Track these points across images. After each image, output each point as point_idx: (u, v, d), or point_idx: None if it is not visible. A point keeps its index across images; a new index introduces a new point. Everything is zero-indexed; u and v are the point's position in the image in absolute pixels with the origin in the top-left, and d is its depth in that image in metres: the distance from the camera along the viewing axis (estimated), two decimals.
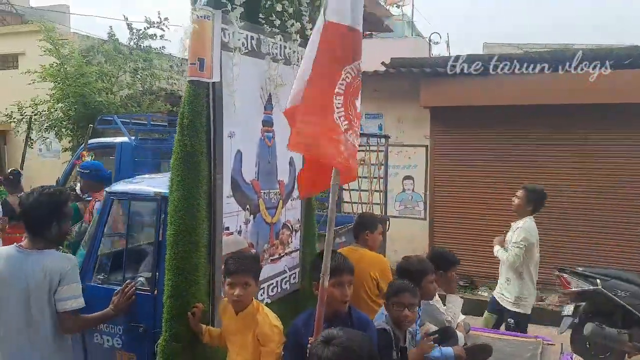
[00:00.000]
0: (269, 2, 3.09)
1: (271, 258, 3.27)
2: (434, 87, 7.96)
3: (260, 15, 3.09)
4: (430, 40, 13.76)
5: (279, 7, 3.14)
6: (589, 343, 5.04)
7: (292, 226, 3.66)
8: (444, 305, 3.55)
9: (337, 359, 1.74)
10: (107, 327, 3.30)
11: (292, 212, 3.64)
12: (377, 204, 7.33)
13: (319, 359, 1.77)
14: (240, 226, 3.08)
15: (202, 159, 2.76)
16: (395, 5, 16.20)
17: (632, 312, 4.95)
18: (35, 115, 10.85)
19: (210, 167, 2.82)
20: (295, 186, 3.54)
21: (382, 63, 8.57)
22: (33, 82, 10.57)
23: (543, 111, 7.50)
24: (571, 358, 3.27)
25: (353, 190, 6.83)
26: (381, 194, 7.40)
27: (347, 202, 7.29)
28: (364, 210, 6.71)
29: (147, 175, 4.36)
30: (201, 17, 2.63)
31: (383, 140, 7.52)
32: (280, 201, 3.47)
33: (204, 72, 2.66)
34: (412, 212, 8.71)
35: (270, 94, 3.24)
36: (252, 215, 3.17)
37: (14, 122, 11.47)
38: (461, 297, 7.32)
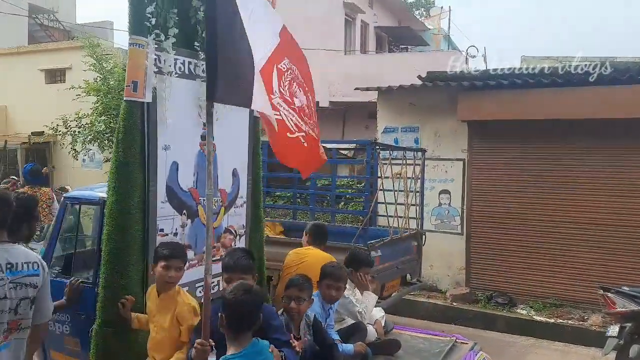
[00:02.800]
0: (204, 32, 3.43)
1: (212, 259, 3.44)
2: (471, 100, 7.87)
3: (196, 43, 3.53)
4: (467, 54, 13.62)
5: None
6: None
7: (235, 231, 4.04)
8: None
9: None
10: (58, 316, 3.76)
11: (235, 219, 4.02)
12: (414, 217, 7.26)
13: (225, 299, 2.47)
14: (177, 229, 3.50)
15: (135, 168, 3.19)
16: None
17: None
18: (79, 128, 11.25)
19: (145, 176, 3.24)
20: (240, 194, 4.01)
21: (419, 76, 8.55)
22: (78, 97, 10.98)
23: (582, 126, 7.31)
24: (476, 355, 3.27)
25: (389, 203, 6.77)
26: (417, 207, 7.34)
27: (382, 216, 7.24)
28: (395, 225, 6.64)
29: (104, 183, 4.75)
30: (135, 45, 3.11)
31: (419, 153, 7.48)
32: (222, 208, 3.85)
33: (137, 93, 3.12)
34: (448, 227, 8.58)
35: (212, 111, 3.53)
36: (189, 220, 3.58)
37: (60, 134, 11.91)
38: (496, 314, 7.17)
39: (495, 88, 7.71)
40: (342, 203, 9.62)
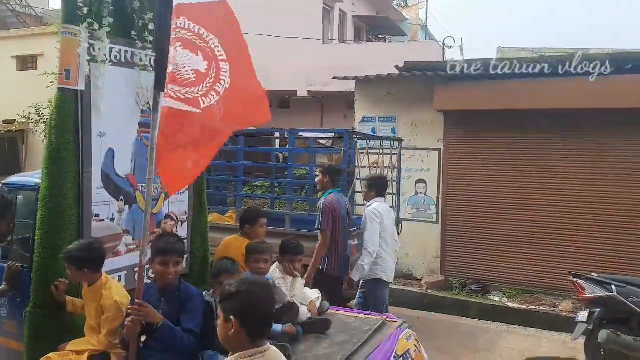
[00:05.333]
0: (141, 21, 3.63)
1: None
2: (448, 91, 7.95)
3: (133, 32, 3.61)
4: (444, 44, 13.71)
5: (151, 26, 3.64)
6: (603, 350, 4.98)
7: (177, 217, 4.15)
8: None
9: None
10: None
11: (177, 205, 4.13)
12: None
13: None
14: (113, 214, 3.59)
15: (69, 155, 3.27)
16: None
17: None
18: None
19: (79, 162, 3.32)
20: None
21: (396, 66, 8.59)
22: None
23: (556, 116, 7.46)
24: (402, 332, 3.45)
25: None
26: (394, 197, 7.41)
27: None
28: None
29: None
30: (68, 34, 3.18)
31: (396, 143, 7.54)
32: (163, 194, 3.93)
33: (70, 80, 3.20)
34: (424, 216, 8.69)
35: (148, 99, 3.66)
36: (127, 205, 3.67)
37: (32, 122, 11.66)
38: (470, 301, 7.32)
39: (471, 79, 7.78)
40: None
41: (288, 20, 14.88)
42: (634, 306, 4.96)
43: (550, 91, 7.23)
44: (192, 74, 2.78)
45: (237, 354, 2.00)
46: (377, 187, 5.36)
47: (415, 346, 3.61)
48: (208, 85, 2.85)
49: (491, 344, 6.21)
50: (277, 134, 10.31)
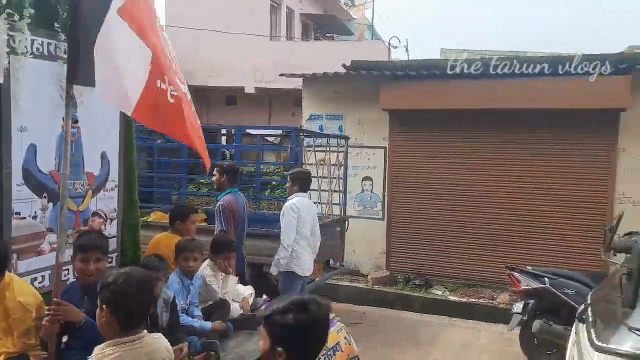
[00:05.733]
0: (65, 13, 3.50)
1: None
2: (393, 90, 8.10)
3: (56, 24, 3.51)
4: (389, 44, 13.96)
5: None
6: (537, 339, 5.23)
7: (105, 215, 4.09)
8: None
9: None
10: None
11: (105, 202, 4.07)
12: (337, 204, 7.41)
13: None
14: (36, 212, 3.49)
15: None
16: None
17: (578, 309, 5.17)
18: None
19: None
20: (110, 177, 4.04)
21: (343, 65, 8.67)
22: None
23: (494, 115, 7.75)
24: (334, 325, 3.55)
25: (313, 190, 6.86)
26: (340, 194, 7.49)
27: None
28: (318, 211, 6.76)
29: None
30: None
31: (343, 141, 7.62)
32: (90, 191, 3.89)
33: None
34: (370, 213, 8.82)
35: (73, 93, 3.58)
36: (50, 203, 3.58)
37: None
38: (413, 295, 7.51)
39: (415, 79, 7.96)
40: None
41: (235, 15, 14.70)
42: (564, 297, 5.24)
43: (491, 92, 7.51)
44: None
45: (106, 342, 2.09)
46: (300, 182, 5.39)
47: (346, 338, 3.69)
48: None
49: (433, 336, 6.39)
50: (223, 131, 10.20)
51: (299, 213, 5.17)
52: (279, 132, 10.71)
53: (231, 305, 3.64)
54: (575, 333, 3.08)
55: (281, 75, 9.54)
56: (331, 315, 3.78)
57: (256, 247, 5.83)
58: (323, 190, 7.08)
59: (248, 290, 4.00)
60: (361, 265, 8.78)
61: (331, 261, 7.23)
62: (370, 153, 8.74)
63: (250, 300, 3.88)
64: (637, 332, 2.43)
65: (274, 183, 9.66)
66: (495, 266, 7.71)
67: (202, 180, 9.91)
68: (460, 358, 5.78)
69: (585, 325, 3.01)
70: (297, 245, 5.19)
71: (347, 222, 7.53)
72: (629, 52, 9.09)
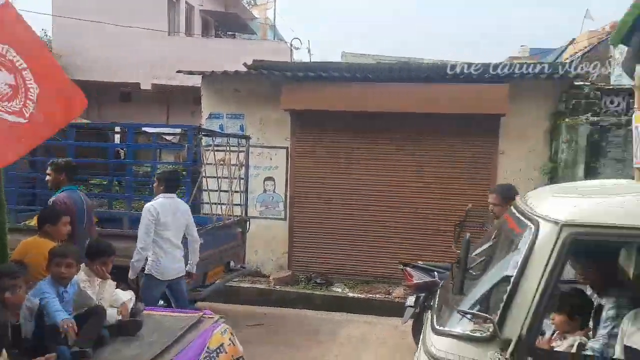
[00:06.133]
0: None
1: None
2: (295, 91, 8.16)
3: None
4: (292, 45, 14.07)
5: None
6: None
7: None
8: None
9: None
10: None
11: None
12: (238, 204, 7.32)
13: None
14: None
15: None
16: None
17: None
18: None
19: None
20: None
21: (244, 64, 8.58)
22: None
23: (390, 117, 8.07)
24: (218, 327, 3.66)
25: (212, 191, 6.73)
26: (242, 194, 7.41)
27: (206, 203, 7.16)
28: (218, 212, 6.66)
29: None
30: None
31: (244, 140, 7.54)
32: None
33: None
34: (273, 213, 8.82)
35: None
36: None
37: None
38: (314, 294, 7.63)
39: (315, 80, 8.09)
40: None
41: (131, 9, 14.02)
42: None
43: (386, 95, 7.82)
44: (8, 88, 2.84)
45: None
46: (167, 182, 5.18)
47: (230, 339, 3.68)
48: (23, 95, 2.90)
49: (334, 333, 6.53)
50: (117, 129, 9.66)
51: (157, 216, 4.93)
52: (178, 130, 10.35)
53: (107, 312, 3.46)
54: (425, 320, 3.32)
55: (178, 72, 9.24)
56: (217, 317, 3.75)
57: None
58: (223, 190, 6.96)
59: (127, 295, 3.81)
60: (263, 266, 8.75)
61: (232, 263, 7.13)
62: (272, 153, 8.74)
63: (130, 306, 3.71)
64: (465, 314, 2.65)
65: None
66: (391, 262, 8.04)
67: (93, 181, 9.33)
68: (359, 352, 5.96)
69: (430, 311, 3.23)
70: (158, 248, 4.98)
71: (248, 222, 7.47)
72: (509, 62, 9.92)
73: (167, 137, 11.91)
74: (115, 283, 3.89)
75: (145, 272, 4.98)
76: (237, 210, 7.29)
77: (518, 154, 7.92)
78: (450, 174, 8.15)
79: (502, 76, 7.61)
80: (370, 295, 7.73)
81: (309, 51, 16.15)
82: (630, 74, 3.69)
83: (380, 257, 8.36)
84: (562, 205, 2.64)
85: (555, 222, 2.53)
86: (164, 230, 5.01)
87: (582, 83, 7.70)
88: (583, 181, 4.00)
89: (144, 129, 9.27)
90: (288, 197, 8.71)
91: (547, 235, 2.53)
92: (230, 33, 19.41)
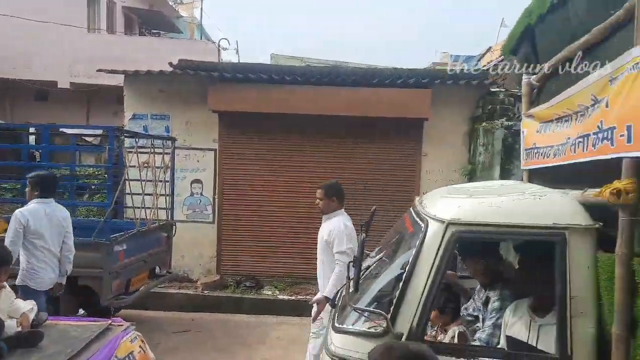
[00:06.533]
0: None
1: None
2: (222, 92, 8.05)
3: None
4: (219, 46, 13.87)
5: None
6: None
7: None
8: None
9: None
10: None
11: None
12: (163, 208, 7.11)
13: None
14: None
15: None
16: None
17: None
18: None
19: None
20: None
21: (170, 64, 8.35)
22: None
23: (319, 120, 8.16)
24: (127, 334, 3.63)
25: (136, 194, 6.49)
26: (167, 198, 7.20)
27: (129, 208, 6.90)
28: (143, 216, 6.43)
29: None
30: None
31: (169, 142, 7.34)
32: None
33: None
34: (200, 216, 8.64)
35: None
36: None
37: None
38: (244, 297, 7.55)
39: (243, 81, 8.02)
40: (87, 195, 8.86)
41: (48, 2, 13.24)
42: None
43: (314, 98, 7.90)
44: None
45: None
46: (41, 186, 4.84)
47: (141, 347, 3.59)
48: None
49: (264, 336, 6.50)
50: (32, 129, 9.10)
51: (27, 223, 4.63)
52: (99, 131, 9.90)
53: (5, 323, 3.27)
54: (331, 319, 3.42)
55: (99, 70, 8.85)
56: (127, 325, 3.63)
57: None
58: (148, 194, 6.74)
59: (28, 305, 3.61)
60: (191, 271, 8.55)
61: (157, 269, 6.94)
62: (199, 155, 8.56)
63: (32, 316, 3.52)
64: (359, 311, 2.79)
65: (93, 187, 8.93)
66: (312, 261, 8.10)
67: (5, 185, 8.76)
68: (289, 354, 5.97)
69: (334, 309, 3.34)
70: (33, 258, 4.69)
71: (174, 227, 7.28)
72: (431, 69, 10.35)
73: (88, 139, 11.37)
74: (13, 293, 3.68)
75: (18, 283, 4.64)
76: (163, 214, 7.09)
77: (440, 157, 8.27)
78: (376, 175, 8.36)
79: (425, 82, 7.92)
80: (301, 297, 7.77)
81: (237, 52, 15.93)
82: (519, 83, 3.97)
83: (311, 258, 8.37)
84: (448, 206, 2.82)
85: (442, 221, 2.70)
86: (38, 239, 4.70)
87: (497, 89, 8.16)
88: (477, 182, 4.26)
89: (61, 129, 8.82)
90: (216, 199, 8.57)
91: (434, 234, 2.69)
92: (155, 31, 18.80)
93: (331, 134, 8.36)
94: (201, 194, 8.65)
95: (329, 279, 4.55)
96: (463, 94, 8.18)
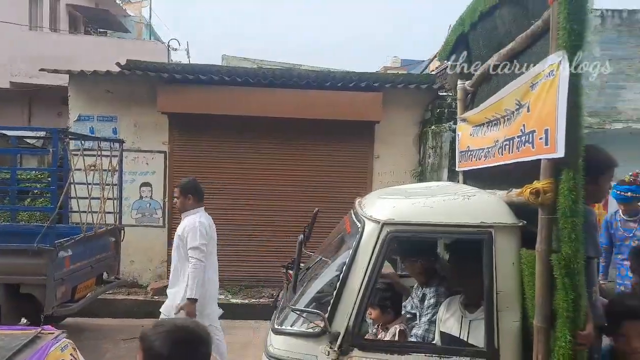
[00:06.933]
0: None
1: None
2: (172, 93, 7.90)
3: None
4: (169, 46, 13.60)
5: None
6: None
7: None
8: None
9: None
10: None
11: None
12: (111, 212, 6.90)
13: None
14: None
15: None
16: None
17: None
18: None
19: None
20: None
21: (117, 64, 8.13)
22: None
23: (272, 122, 8.15)
24: (57, 342, 3.47)
25: (82, 198, 6.27)
26: (115, 202, 7.00)
27: (75, 212, 6.67)
28: (89, 221, 6.23)
29: None
30: None
31: (117, 144, 7.14)
32: None
33: None
34: (150, 220, 8.44)
35: None
36: None
37: None
38: None
39: (196, 83, 7.91)
40: (29, 199, 8.48)
41: None
42: None
43: (268, 100, 7.88)
44: None
45: None
46: None
47: (72, 355, 3.43)
48: None
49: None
50: None
51: None
52: (42, 133, 9.51)
53: None
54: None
55: (42, 70, 8.51)
56: (58, 333, 3.51)
57: (12, 265, 5.11)
58: (94, 198, 6.52)
59: None
60: (140, 277, 8.34)
61: (105, 275, 6.73)
62: (148, 158, 8.37)
63: None
64: (298, 312, 2.83)
65: (36, 191, 8.55)
66: (275, 266, 8.09)
67: None
68: (239, 358, 5.92)
69: (275, 311, 3.37)
70: None
71: (122, 231, 7.09)
72: (382, 72, 10.54)
73: (29, 141, 10.89)
74: None
75: None
76: (111, 219, 6.88)
77: (391, 158, 8.43)
78: (329, 177, 8.43)
79: (377, 85, 8.06)
80: (254, 300, 7.72)
81: (187, 53, 15.65)
82: (454, 87, 4.11)
83: (264, 261, 8.38)
84: (384, 207, 2.90)
85: (377, 222, 2.77)
86: None
87: (445, 93, 8.40)
88: (415, 184, 4.40)
89: (1, 131, 8.43)
90: (166, 203, 8.40)
91: (370, 234, 2.76)
92: (102, 31, 18.22)
93: (283, 137, 8.36)
94: (151, 197, 8.46)
95: (186, 283, 4.47)
96: (413, 97, 8.37)
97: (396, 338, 3.27)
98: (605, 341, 2.74)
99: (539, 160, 2.39)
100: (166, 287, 7.87)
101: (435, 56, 14.83)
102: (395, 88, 8.15)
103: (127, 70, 7.99)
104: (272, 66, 11.89)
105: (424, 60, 17.66)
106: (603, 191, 2.80)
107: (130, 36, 18.25)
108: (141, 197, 8.43)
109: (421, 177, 8.24)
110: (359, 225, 2.87)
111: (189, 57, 15.22)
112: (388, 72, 10.83)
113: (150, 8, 17.64)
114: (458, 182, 4.05)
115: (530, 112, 2.47)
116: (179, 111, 8.03)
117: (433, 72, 10.39)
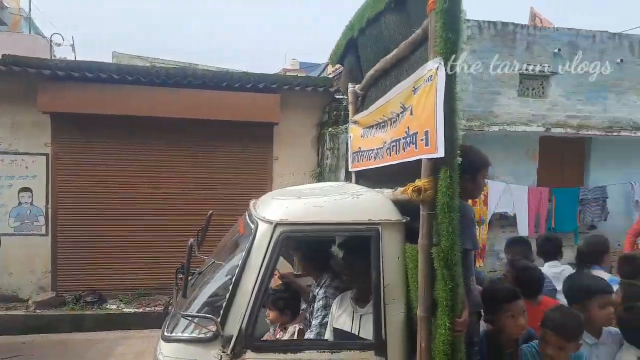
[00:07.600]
0: None
1: None
2: (55, 91, 7.34)
3: None
4: (51, 41, 12.64)
5: None
6: None
7: None
8: None
9: None
10: None
11: None
12: None
13: None
14: None
15: None
16: None
17: None
18: None
19: None
20: None
21: None
22: None
23: (165, 122, 7.84)
24: None
25: None
26: None
27: None
28: None
29: None
30: None
31: None
32: None
33: None
34: (31, 228, 7.78)
35: None
36: None
37: None
38: (85, 314, 7.01)
39: (80, 80, 7.41)
40: None
41: None
42: None
43: (160, 100, 7.58)
44: None
45: None
46: None
47: None
48: None
49: (107, 353, 6.09)
50: None
51: None
52: None
53: None
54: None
55: None
56: None
57: None
58: None
59: None
60: (20, 289, 7.67)
61: None
62: (28, 161, 7.72)
63: None
64: (189, 318, 2.79)
65: None
66: (168, 272, 7.80)
67: None
68: None
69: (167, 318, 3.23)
70: None
71: None
72: (281, 74, 10.57)
73: None
74: None
75: None
76: None
77: (290, 160, 8.50)
78: (228, 179, 8.31)
79: (275, 87, 8.08)
80: (149, 309, 7.40)
81: (73, 49, 14.55)
82: (345, 91, 4.27)
83: (157, 268, 8.04)
84: (277, 207, 2.93)
85: (270, 222, 2.81)
86: None
87: (342, 96, 8.64)
88: (310, 184, 4.48)
89: None
90: (49, 209, 7.79)
91: (263, 234, 2.79)
92: None
93: (177, 138, 8.10)
94: (31, 203, 7.80)
95: None
96: (311, 100, 8.50)
97: (295, 337, 3.30)
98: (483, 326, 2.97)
99: (420, 159, 2.53)
100: (51, 299, 7.36)
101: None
102: (293, 90, 8.23)
103: (3, 66, 7.29)
104: (166, 65, 11.45)
105: (322, 64, 18.00)
106: (479, 188, 3.01)
107: (5, 29, 16.66)
108: (20, 204, 7.75)
109: (320, 177, 8.40)
110: (252, 227, 2.87)
111: (74, 53, 14.17)
112: (287, 74, 10.88)
113: (30, 1, 16.21)
114: (351, 182, 4.17)
115: (414, 114, 2.61)
116: (63, 110, 7.48)
117: (330, 75, 10.63)
